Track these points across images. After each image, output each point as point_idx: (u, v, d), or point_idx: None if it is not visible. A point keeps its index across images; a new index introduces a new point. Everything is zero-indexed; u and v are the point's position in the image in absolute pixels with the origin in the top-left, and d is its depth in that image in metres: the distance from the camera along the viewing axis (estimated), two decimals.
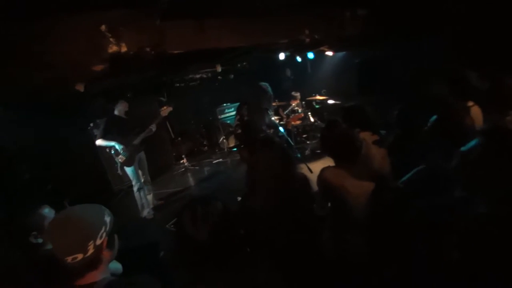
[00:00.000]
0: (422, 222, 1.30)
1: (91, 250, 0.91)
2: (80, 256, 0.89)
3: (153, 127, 3.77)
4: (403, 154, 1.84)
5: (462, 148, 1.24)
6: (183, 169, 5.82)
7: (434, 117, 1.61)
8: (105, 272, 0.99)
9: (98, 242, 0.93)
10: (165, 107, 3.98)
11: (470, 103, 2.02)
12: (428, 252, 1.15)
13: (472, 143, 1.24)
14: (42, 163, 4.11)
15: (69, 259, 0.89)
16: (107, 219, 0.98)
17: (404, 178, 1.66)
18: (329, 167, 1.68)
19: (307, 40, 2.43)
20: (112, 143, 3.52)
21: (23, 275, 1.36)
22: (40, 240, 1.46)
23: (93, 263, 0.94)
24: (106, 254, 0.97)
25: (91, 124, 4.91)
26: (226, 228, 0.91)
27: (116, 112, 3.63)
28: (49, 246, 1.51)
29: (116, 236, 1.04)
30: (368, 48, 4.15)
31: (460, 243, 1.01)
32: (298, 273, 1.17)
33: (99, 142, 3.55)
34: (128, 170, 3.67)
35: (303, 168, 3.41)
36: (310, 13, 2.35)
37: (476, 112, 1.97)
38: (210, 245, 0.87)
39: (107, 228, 0.97)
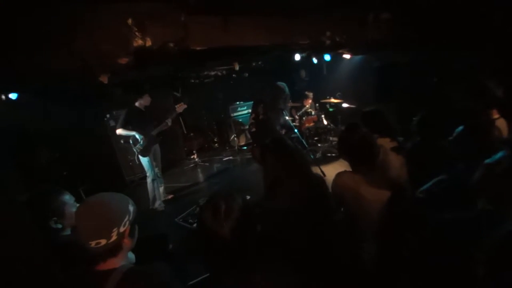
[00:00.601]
0: (441, 234, 1.27)
1: (114, 237, 0.93)
2: (103, 242, 0.92)
3: (169, 121, 3.91)
4: (422, 163, 1.80)
5: (487, 160, 1.20)
6: (193, 164, 5.89)
7: (461, 127, 1.57)
8: (124, 260, 1.02)
9: (122, 229, 0.96)
10: (180, 104, 4.14)
11: (496, 115, 1.96)
12: (447, 266, 1.12)
13: (498, 155, 1.19)
14: (58, 151, 4.26)
15: (93, 243, 0.92)
16: (131, 208, 1.01)
17: (424, 188, 1.62)
18: (345, 171, 1.66)
19: (328, 42, 2.40)
20: (132, 133, 3.67)
21: (42, 259, 1.40)
22: (59, 226, 1.51)
23: (114, 250, 0.96)
24: (127, 242, 1.00)
25: (107, 116, 5.04)
26: (247, 224, 0.92)
27: (137, 104, 3.78)
28: (67, 232, 1.56)
29: (136, 227, 1.06)
30: (390, 54, 4.07)
31: (484, 259, 0.97)
32: (312, 276, 1.16)
33: (119, 131, 3.69)
34: (144, 160, 3.78)
35: (316, 171, 3.39)
36: (333, 15, 2.32)
37: (501, 124, 1.91)
38: (231, 240, 0.87)
39: (131, 217, 0.99)
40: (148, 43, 1.61)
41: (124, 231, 0.97)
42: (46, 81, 2.38)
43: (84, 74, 1.90)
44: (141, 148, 3.70)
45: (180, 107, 4.12)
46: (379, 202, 1.49)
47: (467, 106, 2.01)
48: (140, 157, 3.75)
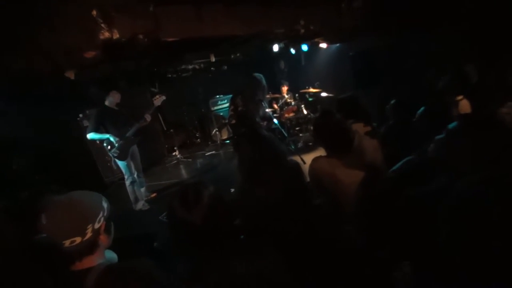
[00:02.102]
0: (413, 210, 1.34)
1: (89, 234, 0.92)
2: (78, 240, 0.90)
3: (148, 117, 3.64)
4: (396, 145, 1.89)
5: (437, 137, 1.27)
6: (175, 161, 5.80)
7: (422, 108, 1.67)
8: (101, 258, 1.00)
9: (97, 226, 0.94)
10: (158, 96, 3.81)
11: (459, 97, 2.09)
12: (420, 240, 1.19)
13: (451, 125, 1.26)
14: (30, 154, 4.03)
15: (67, 242, 0.89)
16: (105, 204, 1.00)
17: (394, 168, 1.71)
18: (320, 156, 1.71)
19: (302, 30, 2.42)
20: (106, 136, 3.39)
21: (19, 263, 1.34)
22: None
23: (91, 247, 0.94)
24: (103, 239, 0.98)
25: (80, 115, 4.80)
26: (220, 210, 0.92)
27: (107, 103, 3.50)
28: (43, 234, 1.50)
29: (112, 223, 1.04)
30: (365, 41, 4.16)
31: (447, 230, 1.03)
32: (296, 261, 1.19)
33: (91, 135, 3.40)
34: (121, 164, 3.56)
35: (297, 159, 3.45)
36: (307, 3, 2.34)
37: (465, 105, 2.03)
38: (203, 228, 0.87)
39: (105, 213, 0.98)
40: (116, 35, 1.54)
41: (99, 227, 0.95)
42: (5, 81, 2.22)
43: (48, 72, 1.79)
44: (118, 152, 3.42)
45: (159, 100, 3.77)
46: (355, 184, 1.55)
47: (434, 88, 2.12)
48: (117, 160, 3.52)
